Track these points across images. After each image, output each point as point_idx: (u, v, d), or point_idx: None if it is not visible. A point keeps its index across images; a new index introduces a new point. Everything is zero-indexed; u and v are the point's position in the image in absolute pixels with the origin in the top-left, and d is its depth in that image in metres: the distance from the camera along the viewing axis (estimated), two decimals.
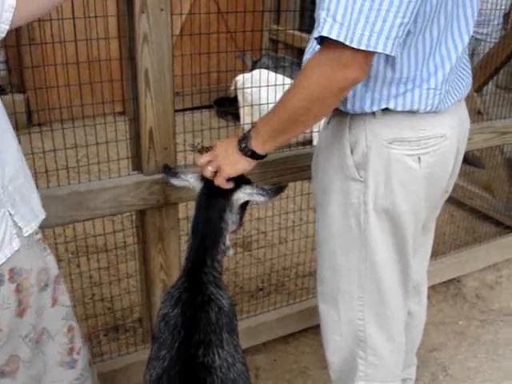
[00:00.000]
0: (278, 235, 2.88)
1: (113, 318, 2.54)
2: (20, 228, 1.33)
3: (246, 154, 1.49)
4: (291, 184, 2.47)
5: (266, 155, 1.52)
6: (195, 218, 1.55)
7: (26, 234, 1.35)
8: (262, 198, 1.54)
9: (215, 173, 1.54)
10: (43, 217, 1.44)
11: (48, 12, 1.40)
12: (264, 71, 3.86)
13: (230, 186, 1.52)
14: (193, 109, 4.72)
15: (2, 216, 1.28)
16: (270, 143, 1.47)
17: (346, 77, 1.29)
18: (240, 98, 4.33)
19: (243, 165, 1.52)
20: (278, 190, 1.55)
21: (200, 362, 1.30)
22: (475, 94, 3.46)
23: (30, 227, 1.37)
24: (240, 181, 1.55)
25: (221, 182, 1.53)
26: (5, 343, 1.35)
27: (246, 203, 1.58)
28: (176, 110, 1.88)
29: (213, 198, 1.53)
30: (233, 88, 4.41)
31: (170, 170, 1.68)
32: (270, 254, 2.78)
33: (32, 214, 1.38)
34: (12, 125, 1.37)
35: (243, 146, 1.49)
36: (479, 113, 3.38)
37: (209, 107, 5.03)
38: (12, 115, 1.99)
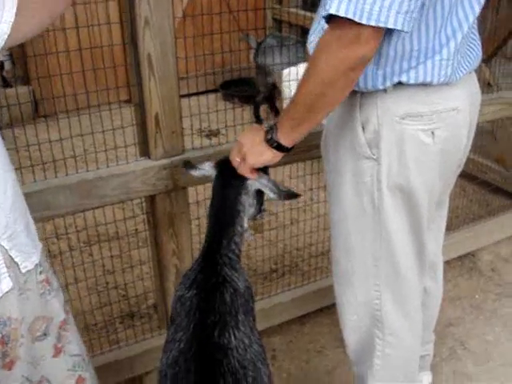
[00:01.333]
0: (289, 216, 2.87)
1: (128, 305, 2.55)
2: (17, 264, 1.19)
3: (271, 146, 1.47)
4: (300, 164, 2.45)
5: (292, 148, 1.48)
6: (212, 201, 1.55)
7: (24, 271, 1.21)
8: (272, 195, 1.53)
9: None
10: (41, 248, 1.30)
11: (48, 26, 1.27)
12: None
13: (253, 176, 1.51)
14: (198, 93, 4.71)
15: None
16: (292, 134, 1.45)
17: (353, 55, 1.25)
18: (286, 90, 4.26)
19: (268, 156, 1.49)
20: (291, 195, 1.53)
21: (216, 343, 1.30)
22: (484, 66, 3.41)
23: (31, 262, 1.23)
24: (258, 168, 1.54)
25: (244, 171, 1.51)
26: None
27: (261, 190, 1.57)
28: (181, 95, 1.86)
29: (228, 181, 1.52)
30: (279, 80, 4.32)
31: (189, 165, 1.68)
32: (281, 235, 2.77)
33: (33, 244, 1.25)
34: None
35: (269, 137, 1.46)
36: (489, 84, 3.34)
37: (214, 91, 5.00)
38: (17, 107, 2.00)
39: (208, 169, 1.60)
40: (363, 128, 1.51)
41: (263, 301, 2.40)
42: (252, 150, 1.49)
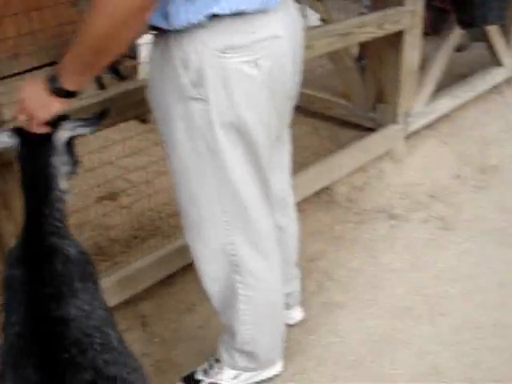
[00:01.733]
0: (139, 179, 2.77)
1: None
2: None
3: (59, 95, 1.36)
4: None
5: (80, 91, 1.40)
6: (21, 171, 1.42)
7: None
8: (87, 130, 1.45)
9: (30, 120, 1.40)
10: None
11: None
12: None
13: (46, 130, 1.41)
14: (37, 68, 4.43)
15: None
16: (81, 78, 1.36)
17: None
18: (142, 53, 4.07)
19: (57, 107, 1.39)
20: (101, 114, 1.46)
21: (53, 318, 1.20)
22: (318, 2, 3.44)
23: None
24: (56, 119, 1.43)
25: (36, 128, 1.40)
26: None
27: (71, 139, 1.46)
28: (16, 73, 1.70)
29: (33, 146, 1.40)
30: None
31: None
32: (136, 198, 2.68)
33: None
34: None
35: (54, 86, 1.35)
36: (323, 20, 3.37)
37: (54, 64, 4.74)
38: None
39: (5, 139, 1.44)
40: (185, 68, 1.44)
41: (124, 269, 2.30)
42: (38, 105, 1.38)
